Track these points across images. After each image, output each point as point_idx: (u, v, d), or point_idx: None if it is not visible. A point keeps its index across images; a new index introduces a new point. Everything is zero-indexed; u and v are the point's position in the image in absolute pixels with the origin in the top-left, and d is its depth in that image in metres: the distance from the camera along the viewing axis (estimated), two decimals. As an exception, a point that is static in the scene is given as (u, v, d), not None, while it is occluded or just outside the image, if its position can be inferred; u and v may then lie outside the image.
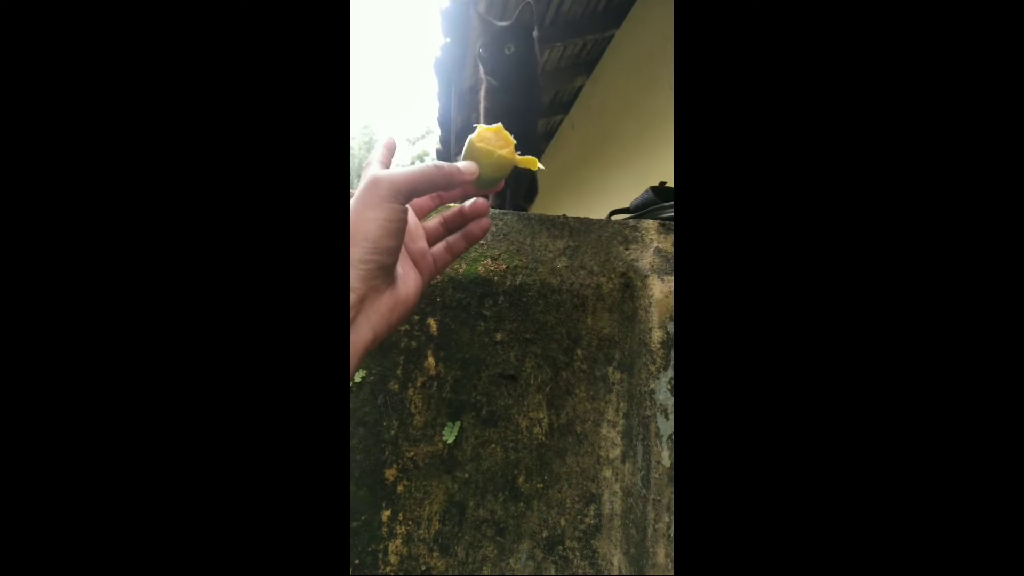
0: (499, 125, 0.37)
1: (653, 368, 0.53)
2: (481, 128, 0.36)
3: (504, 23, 0.69)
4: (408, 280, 0.33)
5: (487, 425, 0.54)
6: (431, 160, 0.35)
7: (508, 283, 0.56)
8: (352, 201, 0.30)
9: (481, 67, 0.70)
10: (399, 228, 0.30)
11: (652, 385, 0.53)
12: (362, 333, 0.29)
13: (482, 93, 0.71)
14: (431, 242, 0.38)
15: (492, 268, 0.56)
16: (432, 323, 0.54)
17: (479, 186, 0.37)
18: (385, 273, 0.30)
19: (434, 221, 0.39)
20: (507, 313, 0.56)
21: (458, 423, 0.53)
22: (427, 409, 0.53)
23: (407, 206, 0.31)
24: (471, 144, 0.36)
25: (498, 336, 0.55)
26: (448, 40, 1.95)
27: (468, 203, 0.39)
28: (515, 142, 0.37)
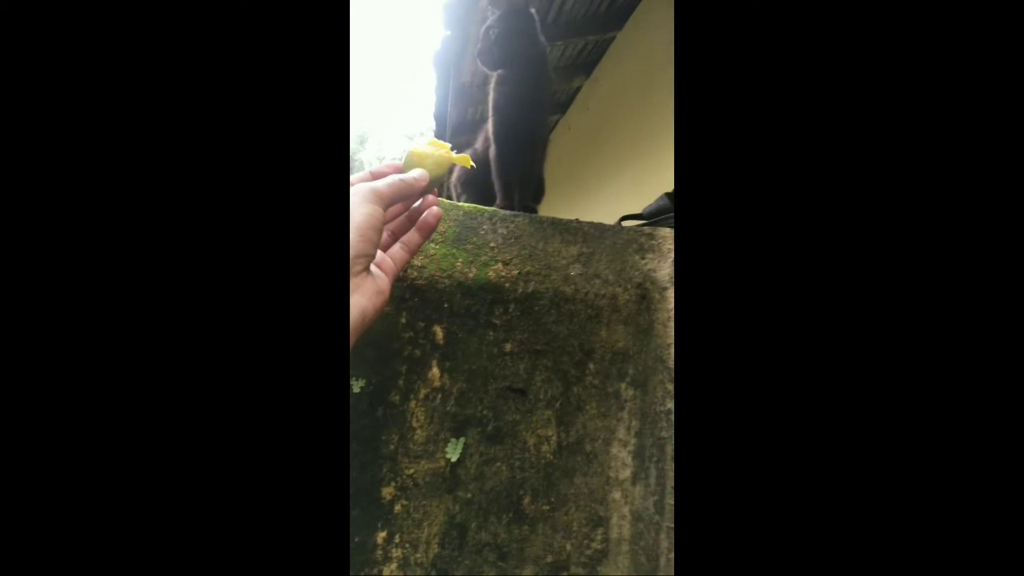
0: (432, 138, 0.43)
1: (670, 386, 0.50)
2: (419, 143, 0.42)
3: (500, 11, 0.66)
4: (377, 280, 0.38)
5: (492, 442, 0.51)
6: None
7: (520, 290, 0.52)
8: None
9: (477, 58, 0.66)
10: (380, 224, 0.36)
11: (668, 404, 0.50)
12: (354, 314, 0.33)
13: (491, 84, 0.67)
14: (383, 249, 0.43)
15: (503, 273, 0.53)
16: (438, 331, 0.50)
17: (427, 188, 0.42)
18: (368, 262, 0.35)
19: (384, 235, 0.44)
20: (518, 322, 0.52)
21: (462, 439, 0.50)
22: (430, 423, 0.50)
23: (383, 211, 0.36)
24: (410, 154, 0.42)
25: (507, 347, 0.52)
26: (448, 33, 1.91)
27: (415, 203, 0.43)
28: (449, 145, 0.42)
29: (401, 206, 0.42)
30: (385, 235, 0.42)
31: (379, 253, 0.40)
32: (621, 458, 0.53)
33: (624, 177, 2.21)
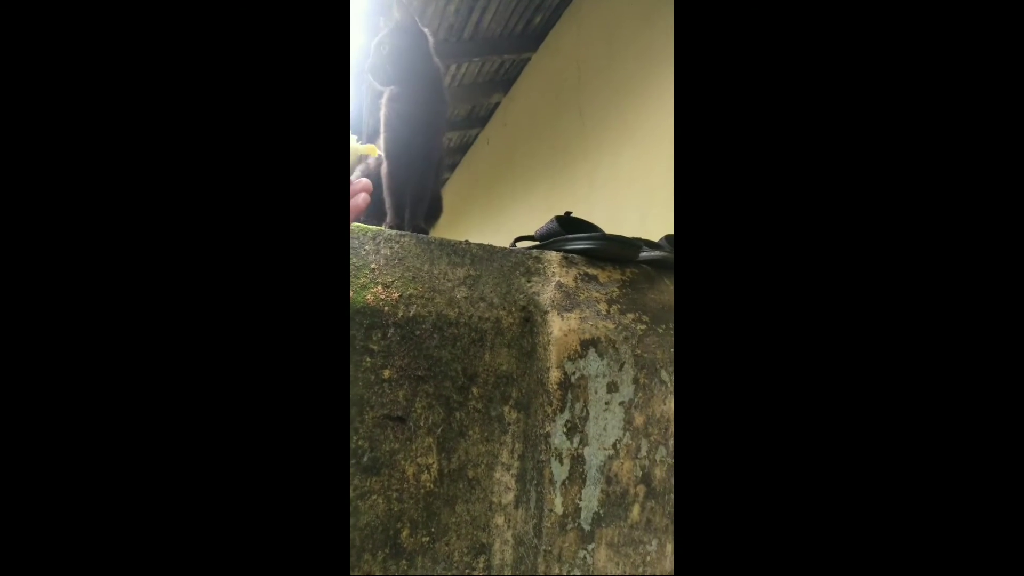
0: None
1: (550, 410, 0.51)
2: None
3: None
4: None
5: (368, 474, 0.48)
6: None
7: (400, 314, 0.51)
8: None
9: (368, 73, 0.65)
10: None
11: (548, 428, 0.51)
12: None
13: (383, 100, 0.66)
14: None
15: (383, 297, 0.51)
16: (308, 358, 0.47)
17: None
18: None
19: None
20: (397, 348, 0.51)
21: (333, 473, 0.47)
22: (297, 458, 0.46)
23: None
24: None
25: (386, 373, 0.50)
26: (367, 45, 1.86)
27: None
28: (355, 137, 0.44)
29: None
30: None
31: None
32: (504, 482, 0.53)
33: (536, 192, 2.26)
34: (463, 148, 3.49)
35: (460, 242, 0.58)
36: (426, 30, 0.68)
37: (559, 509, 0.49)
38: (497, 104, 2.96)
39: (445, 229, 0.82)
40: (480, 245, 0.58)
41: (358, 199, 0.42)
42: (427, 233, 0.65)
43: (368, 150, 0.41)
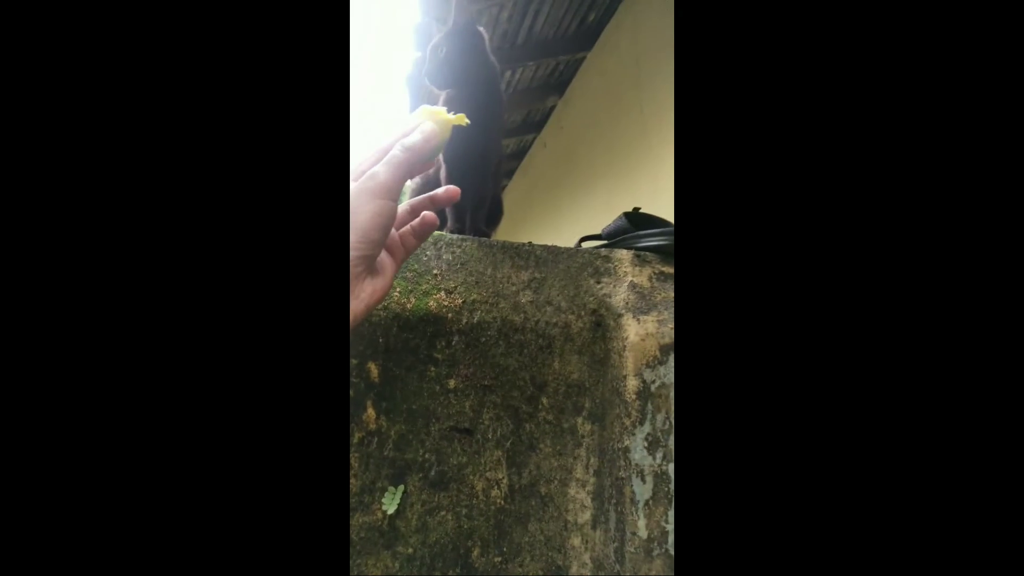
0: (424, 107, 0.40)
1: (627, 422, 0.46)
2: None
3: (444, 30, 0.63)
4: (385, 266, 0.37)
5: (436, 489, 0.46)
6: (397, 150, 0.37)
7: (464, 321, 0.49)
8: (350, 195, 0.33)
9: (425, 78, 0.63)
10: (387, 223, 0.34)
11: (627, 442, 0.46)
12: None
13: (440, 103, 0.64)
14: (400, 227, 0.40)
15: (446, 303, 0.49)
16: (373, 368, 0.46)
17: (431, 152, 0.39)
18: (368, 263, 0.34)
19: (403, 207, 0.41)
20: (462, 356, 0.48)
21: (401, 487, 0.45)
22: (364, 471, 0.45)
23: (395, 202, 0.34)
24: (422, 109, 0.39)
25: (451, 383, 0.48)
26: (420, 55, 1.91)
27: (440, 190, 0.41)
28: (445, 108, 0.41)
29: (422, 167, 0.40)
30: (405, 207, 0.41)
31: (393, 231, 0.39)
32: (580, 500, 0.49)
33: (597, 193, 2.20)
34: (520, 154, 3.49)
35: (523, 244, 0.55)
36: (482, 29, 0.66)
37: (643, 532, 0.44)
38: (553, 107, 2.93)
39: (505, 235, 0.80)
40: (544, 246, 0.55)
41: (427, 216, 0.41)
42: (488, 237, 0.63)
43: (458, 119, 0.40)
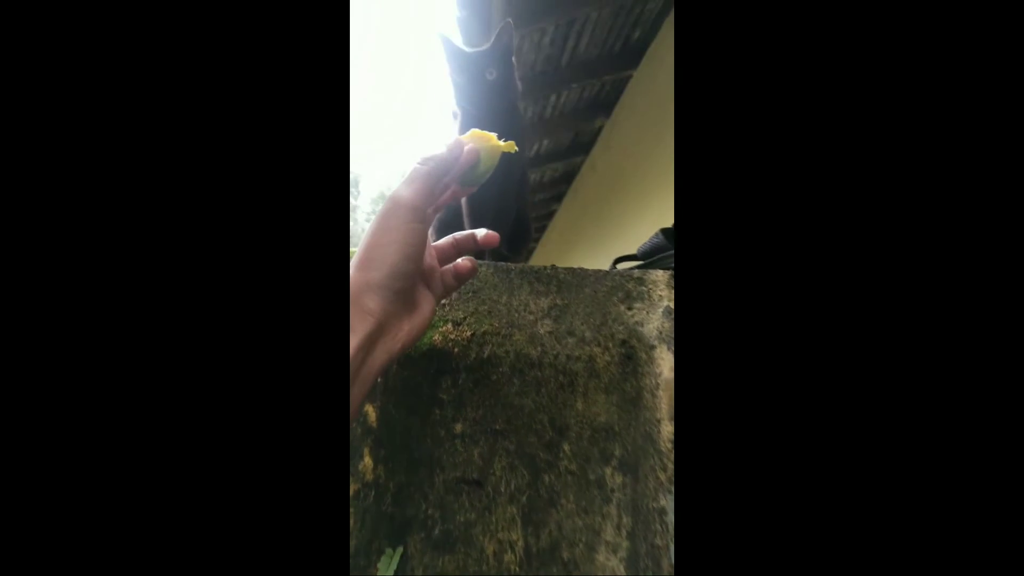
0: (474, 131, 0.38)
1: (663, 476, 0.39)
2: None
3: (483, 48, 0.60)
4: (422, 300, 0.34)
5: (440, 551, 0.40)
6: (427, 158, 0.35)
7: (473, 356, 0.43)
8: (372, 224, 0.31)
9: (456, 96, 0.60)
10: (418, 252, 0.31)
11: (663, 501, 0.38)
12: (378, 356, 0.30)
13: (456, 126, 0.61)
14: (442, 262, 0.38)
15: (453, 336, 0.44)
16: (370, 411, 0.42)
17: (476, 175, 0.38)
18: (404, 298, 0.31)
19: (445, 241, 0.39)
20: (470, 396, 0.43)
21: (400, 548, 0.40)
22: (360, 529, 0.40)
23: (424, 224, 0.32)
24: (471, 133, 0.38)
25: (458, 427, 0.42)
26: (453, 51, 1.94)
27: (481, 232, 0.39)
28: (495, 135, 0.39)
29: (463, 191, 0.39)
30: (447, 241, 0.39)
31: (434, 264, 0.38)
32: (611, 568, 0.41)
33: (648, 213, 2.12)
34: (568, 177, 3.46)
35: (545, 268, 0.49)
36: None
37: (686, 617, 0.36)
38: (600, 128, 2.89)
39: (554, 260, 0.74)
40: (568, 269, 0.49)
41: (467, 265, 0.39)
42: (509, 259, 0.58)
43: (508, 147, 0.40)
